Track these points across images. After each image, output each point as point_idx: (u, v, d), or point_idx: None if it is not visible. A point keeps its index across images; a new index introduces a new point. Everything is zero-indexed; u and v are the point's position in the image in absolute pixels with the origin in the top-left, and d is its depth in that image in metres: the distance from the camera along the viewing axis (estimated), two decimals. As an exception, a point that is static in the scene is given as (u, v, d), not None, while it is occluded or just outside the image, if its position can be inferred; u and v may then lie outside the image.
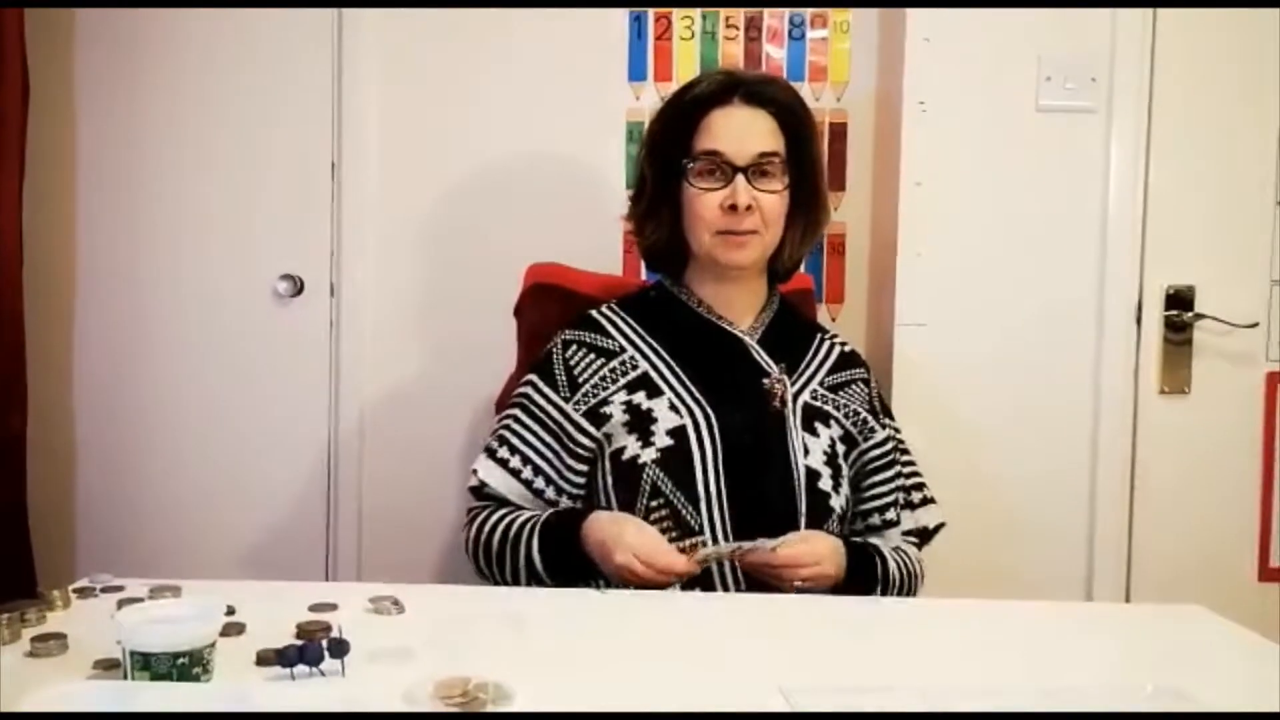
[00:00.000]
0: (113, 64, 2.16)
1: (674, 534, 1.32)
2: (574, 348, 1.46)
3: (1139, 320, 2.08)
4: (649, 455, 1.35)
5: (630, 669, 0.94)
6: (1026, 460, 2.07)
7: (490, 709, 0.84)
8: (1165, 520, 2.08)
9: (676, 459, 1.35)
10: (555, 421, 1.43)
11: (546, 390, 1.45)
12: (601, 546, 1.28)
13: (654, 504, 1.34)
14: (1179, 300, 2.07)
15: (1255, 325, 2.07)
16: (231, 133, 2.17)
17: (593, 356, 1.45)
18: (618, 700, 0.87)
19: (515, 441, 1.43)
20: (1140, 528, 2.08)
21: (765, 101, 1.42)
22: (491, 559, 1.38)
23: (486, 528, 1.39)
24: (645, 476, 1.35)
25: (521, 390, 1.48)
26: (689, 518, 1.33)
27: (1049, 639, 1.11)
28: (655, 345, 1.45)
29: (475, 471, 1.43)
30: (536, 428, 1.43)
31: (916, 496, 1.52)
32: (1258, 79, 2.05)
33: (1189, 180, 2.06)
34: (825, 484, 1.39)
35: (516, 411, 1.46)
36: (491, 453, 1.44)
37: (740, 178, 1.38)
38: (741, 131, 1.40)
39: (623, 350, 1.45)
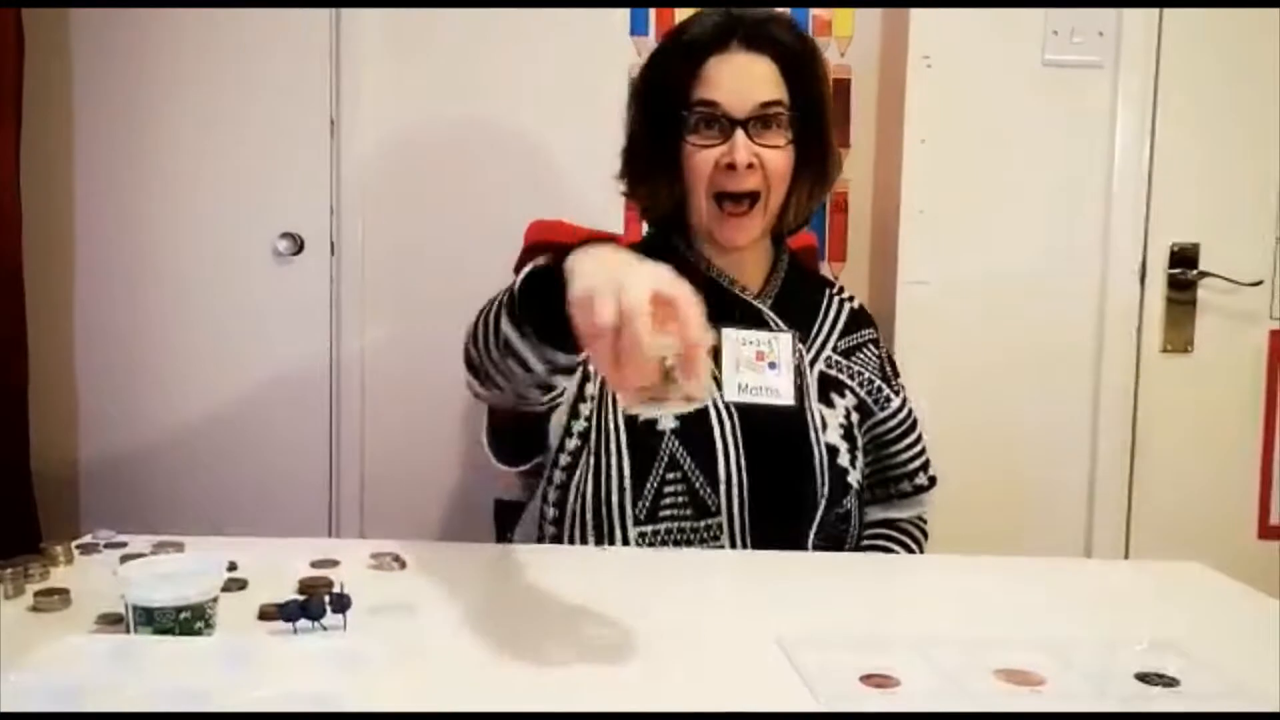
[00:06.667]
0: (110, 19, 2.13)
1: (689, 512, 1.24)
2: None
3: (1143, 278, 2.06)
4: (668, 422, 1.24)
5: (629, 620, 0.95)
6: (1028, 418, 2.07)
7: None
8: (1166, 478, 2.09)
9: (698, 432, 1.25)
10: None
11: None
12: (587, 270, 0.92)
13: (670, 476, 1.24)
14: (1183, 258, 2.06)
15: (1259, 283, 2.06)
16: (230, 90, 2.15)
17: None
18: (616, 651, 0.87)
19: None
20: (1141, 485, 2.09)
21: (766, 44, 1.28)
22: (477, 323, 1.11)
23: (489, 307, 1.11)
24: (664, 446, 1.24)
25: None
26: (706, 499, 1.24)
27: (1047, 593, 1.11)
28: None
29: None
30: None
31: (924, 479, 1.45)
32: (1267, 37, 2.03)
33: (1195, 137, 2.05)
34: (844, 459, 1.31)
35: None
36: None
37: (740, 132, 1.25)
38: (740, 79, 1.26)
39: None
